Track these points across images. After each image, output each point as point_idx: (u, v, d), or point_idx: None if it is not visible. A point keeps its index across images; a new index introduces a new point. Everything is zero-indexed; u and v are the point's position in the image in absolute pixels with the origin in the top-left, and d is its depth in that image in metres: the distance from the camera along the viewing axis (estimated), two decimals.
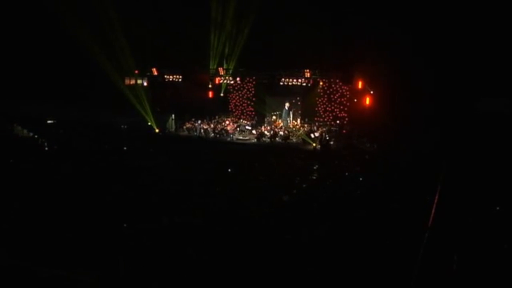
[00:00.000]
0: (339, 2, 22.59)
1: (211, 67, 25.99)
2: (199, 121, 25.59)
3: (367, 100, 22.08)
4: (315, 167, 17.73)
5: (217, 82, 26.35)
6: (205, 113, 26.22)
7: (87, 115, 26.02)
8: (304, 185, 15.09)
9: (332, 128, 23.45)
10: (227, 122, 25.39)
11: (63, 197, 12.75)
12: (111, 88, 25.18)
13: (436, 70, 20.52)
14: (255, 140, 23.45)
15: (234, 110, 26.74)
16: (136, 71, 26.70)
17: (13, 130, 24.09)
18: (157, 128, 25.59)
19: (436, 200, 12.37)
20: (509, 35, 19.74)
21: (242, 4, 24.28)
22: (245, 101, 26.36)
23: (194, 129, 25.47)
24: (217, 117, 26.33)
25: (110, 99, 25.57)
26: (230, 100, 26.89)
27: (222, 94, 26.88)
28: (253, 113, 26.06)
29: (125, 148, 20.99)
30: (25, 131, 23.85)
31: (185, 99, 26.54)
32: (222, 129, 24.73)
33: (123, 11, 24.19)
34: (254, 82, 25.84)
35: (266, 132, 23.79)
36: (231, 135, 24.04)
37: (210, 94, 26.58)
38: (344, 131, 23.13)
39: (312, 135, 22.44)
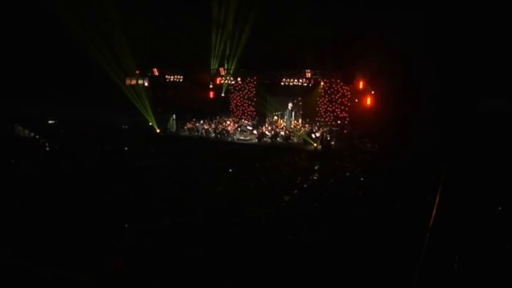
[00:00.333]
0: (339, 2, 22.55)
1: (212, 67, 25.99)
2: (201, 121, 25.60)
3: (368, 100, 22.05)
4: (316, 167, 17.71)
5: (218, 82, 26.35)
6: (206, 113, 26.23)
7: (88, 115, 26.07)
8: (305, 185, 15.07)
9: (333, 128, 23.46)
10: (228, 122, 25.39)
11: (64, 197, 12.73)
12: (112, 88, 25.19)
13: (436, 70, 20.49)
14: (256, 140, 23.45)
15: (235, 110, 26.76)
16: (137, 71, 26.70)
17: (14, 130, 24.10)
18: (158, 128, 25.62)
19: (437, 200, 12.34)
20: (509, 35, 19.70)
21: (243, 4, 24.25)
22: (246, 101, 26.37)
23: (195, 129, 25.48)
24: (218, 117, 26.34)
25: (111, 99, 25.62)
26: (231, 100, 26.92)
27: (223, 94, 26.88)
28: (254, 113, 26.05)
29: (126, 148, 20.98)
30: (26, 131, 23.85)
31: (186, 99, 26.57)
32: (223, 129, 24.73)
33: (123, 11, 24.19)
34: (255, 82, 25.85)
35: (267, 132, 23.78)
36: (232, 135, 24.04)
37: (211, 94, 26.58)
38: (345, 131, 23.12)
39: (313, 135, 22.45)
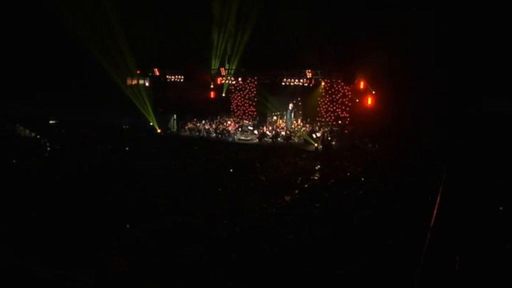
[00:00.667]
0: (340, 1, 22.53)
1: (213, 67, 25.96)
2: (202, 121, 25.60)
3: (369, 100, 22.02)
4: (316, 167, 17.69)
5: (219, 82, 26.33)
6: (207, 113, 26.22)
7: (89, 115, 26.10)
8: (305, 185, 15.06)
9: (333, 128, 23.42)
10: (229, 122, 25.39)
11: (64, 197, 12.74)
12: (113, 88, 25.20)
13: (437, 70, 20.46)
14: (257, 140, 23.45)
15: (236, 110, 26.74)
16: (138, 71, 26.71)
17: (15, 130, 24.12)
18: (159, 128, 25.62)
19: (438, 200, 12.32)
20: (509, 35, 19.66)
21: (244, 4, 24.24)
22: (247, 101, 26.36)
23: (196, 129, 25.48)
24: (218, 117, 26.33)
25: (112, 99, 25.63)
26: (232, 100, 26.90)
27: (223, 94, 26.84)
28: (255, 113, 26.04)
29: (127, 148, 20.99)
30: (27, 131, 23.88)
31: (187, 99, 26.60)
32: (223, 129, 24.72)
33: (124, 11, 24.19)
34: (255, 82, 25.83)
35: (268, 132, 23.77)
36: (233, 135, 24.03)
37: (212, 94, 26.56)
38: (345, 131, 23.09)
39: (314, 135, 22.43)
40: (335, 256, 9.12)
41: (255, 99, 25.98)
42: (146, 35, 25.45)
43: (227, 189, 14.08)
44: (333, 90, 23.91)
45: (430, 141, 19.37)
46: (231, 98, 26.91)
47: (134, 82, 26.73)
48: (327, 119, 24.11)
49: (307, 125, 24.19)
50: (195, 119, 26.01)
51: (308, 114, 24.89)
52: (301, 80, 23.73)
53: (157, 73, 27.09)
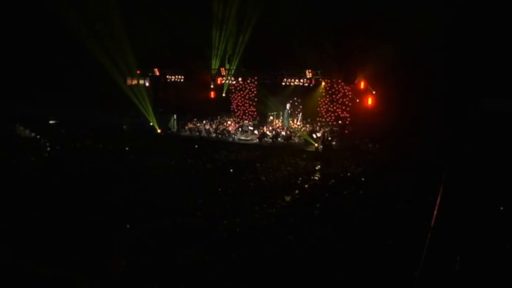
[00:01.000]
0: (340, 1, 22.51)
1: (213, 67, 25.96)
2: (204, 121, 25.59)
3: (369, 101, 22.02)
4: (317, 168, 17.68)
5: (219, 82, 26.32)
6: (207, 114, 26.20)
7: (88, 115, 26.08)
8: (306, 185, 15.04)
9: (334, 128, 23.42)
10: (229, 123, 25.38)
11: (64, 197, 12.73)
12: (113, 88, 25.19)
13: (437, 70, 20.44)
14: (257, 140, 23.43)
15: (236, 110, 26.74)
16: (138, 71, 26.70)
17: (15, 131, 24.10)
18: (159, 128, 25.60)
19: (438, 200, 12.30)
20: (509, 35, 19.65)
21: (244, 4, 24.24)
22: (247, 101, 26.36)
23: (196, 130, 25.47)
24: (219, 117, 26.32)
25: (112, 99, 25.61)
26: (232, 100, 26.91)
27: (224, 94, 26.85)
28: (255, 113, 26.03)
29: (127, 149, 20.97)
30: (27, 131, 23.86)
31: (187, 99, 26.60)
32: (224, 129, 24.71)
33: (124, 11, 24.19)
34: (256, 82, 25.82)
35: (268, 132, 23.76)
36: (233, 136, 24.02)
37: (212, 94, 26.56)
38: (346, 131, 23.07)
39: (314, 135, 22.41)
40: (336, 256, 9.11)
41: (255, 99, 25.97)
42: (146, 35, 25.43)
43: (227, 189, 14.06)
44: (333, 90, 23.91)
45: (430, 141, 19.34)
46: (231, 98, 26.92)
47: (134, 82, 26.73)
48: (328, 119, 24.12)
49: (308, 125, 24.18)
50: (195, 119, 25.99)
51: (309, 114, 24.88)
52: (301, 80, 23.73)
53: (157, 73, 27.08)
